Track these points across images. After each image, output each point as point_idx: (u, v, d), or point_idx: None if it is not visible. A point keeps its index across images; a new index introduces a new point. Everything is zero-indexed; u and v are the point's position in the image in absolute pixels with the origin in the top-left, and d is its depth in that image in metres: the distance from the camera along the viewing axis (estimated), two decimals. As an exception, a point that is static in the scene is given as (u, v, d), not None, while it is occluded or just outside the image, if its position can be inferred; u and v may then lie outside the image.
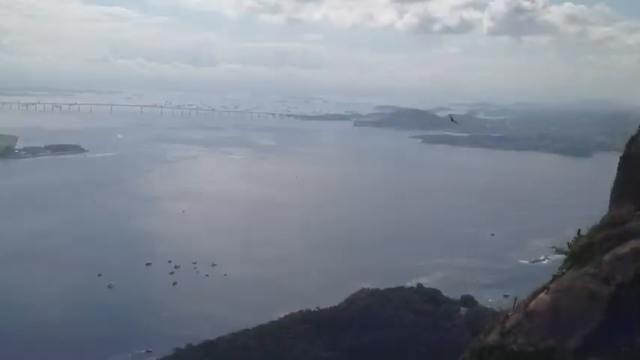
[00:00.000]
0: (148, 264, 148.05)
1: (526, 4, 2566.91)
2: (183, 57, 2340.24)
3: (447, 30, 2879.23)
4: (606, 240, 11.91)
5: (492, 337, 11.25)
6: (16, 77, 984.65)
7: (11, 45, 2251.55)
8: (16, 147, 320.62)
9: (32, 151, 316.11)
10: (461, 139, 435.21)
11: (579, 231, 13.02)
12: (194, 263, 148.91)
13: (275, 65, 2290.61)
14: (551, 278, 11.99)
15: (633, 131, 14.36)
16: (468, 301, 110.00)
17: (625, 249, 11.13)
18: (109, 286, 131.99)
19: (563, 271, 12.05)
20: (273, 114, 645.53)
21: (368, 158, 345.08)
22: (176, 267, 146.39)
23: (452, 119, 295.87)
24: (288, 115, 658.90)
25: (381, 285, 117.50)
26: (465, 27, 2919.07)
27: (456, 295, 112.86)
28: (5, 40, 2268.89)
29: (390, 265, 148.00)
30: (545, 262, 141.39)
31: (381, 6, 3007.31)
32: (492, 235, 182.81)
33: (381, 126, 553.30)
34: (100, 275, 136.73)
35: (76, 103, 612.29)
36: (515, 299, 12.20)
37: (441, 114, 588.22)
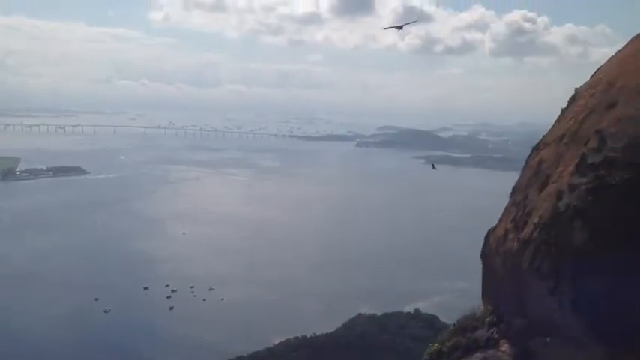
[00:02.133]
0: (145, 288, 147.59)
1: (527, 26, 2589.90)
2: (186, 78, 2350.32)
3: (449, 51, 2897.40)
4: (454, 349, 11.74)
5: None
6: (20, 98, 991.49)
7: (16, 66, 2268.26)
8: (18, 169, 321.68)
9: (34, 173, 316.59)
10: (463, 160, 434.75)
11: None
12: (192, 287, 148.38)
13: (278, 86, 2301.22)
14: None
15: None
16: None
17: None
18: (105, 311, 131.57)
19: None
20: (276, 135, 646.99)
21: (370, 179, 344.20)
22: (173, 291, 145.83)
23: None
24: (291, 136, 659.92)
25: (379, 309, 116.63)
26: (466, 48, 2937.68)
27: (453, 321, 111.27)
28: (10, 61, 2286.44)
29: (390, 287, 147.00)
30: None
31: (382, 27, 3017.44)
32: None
33: (384, 147, 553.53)
34: (97, 299, 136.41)
35: (79, 125, 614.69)
36: None
37: (444, 135, 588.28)
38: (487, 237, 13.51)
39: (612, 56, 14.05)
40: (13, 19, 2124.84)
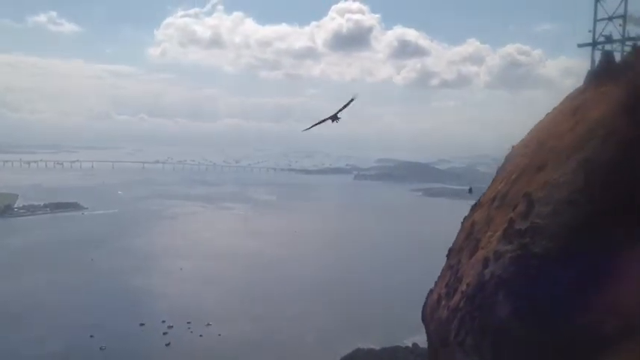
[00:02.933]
0: (141, 324, 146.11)
1: (522, 59, 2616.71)
2: (184, 112, 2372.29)
3: (445, 84, 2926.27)
4: None
5: None
6: (19, 135, 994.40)
7: (16, 103, 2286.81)
8: (16, 205, 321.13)
9: (31, 209, 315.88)
10: (462, 192, 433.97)
11: None
12: (188, 323, 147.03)
13: (276, 120, 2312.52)
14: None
15: None
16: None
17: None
18: (101, 348, 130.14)
19: None
20: (274, 168, 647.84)
21: (367, 212, 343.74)
22: (170, 327, 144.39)
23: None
24: (290, 170, 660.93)
25: (378, 344, 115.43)
26: (462, 81, 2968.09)
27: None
28: (10, 98, 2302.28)
29: (387, 320, 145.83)
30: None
31: (378, 61, 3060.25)
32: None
33: (382, 179, 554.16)
34: (92, 336, 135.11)
35: (77, 160, 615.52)
36: None
37: (442, 167, 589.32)
38: (426, 300, 13.40)
39: (549, 113, 14.27)
40: (13, 56, 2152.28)
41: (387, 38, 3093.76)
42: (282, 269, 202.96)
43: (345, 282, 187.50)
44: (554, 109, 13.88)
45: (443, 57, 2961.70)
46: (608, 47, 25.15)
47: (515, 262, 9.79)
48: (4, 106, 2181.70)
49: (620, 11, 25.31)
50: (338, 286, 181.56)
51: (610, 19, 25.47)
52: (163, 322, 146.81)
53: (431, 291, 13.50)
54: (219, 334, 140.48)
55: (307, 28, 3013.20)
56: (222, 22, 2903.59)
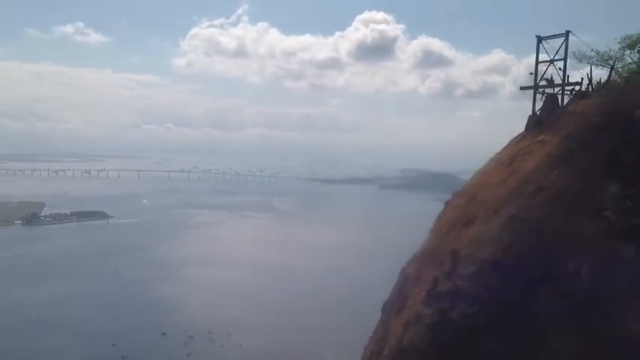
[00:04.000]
0: (163, 333, 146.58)
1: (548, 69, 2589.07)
2: (209, 122, 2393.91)
3: (470, 94, 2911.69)
4: None
5: None
6: (48, 144, 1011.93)
7: (44, 112, 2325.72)
8: (42, 213, 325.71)
9: (58, 218, 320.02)
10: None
11: None
12: (209, 333, 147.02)
13: (301, 129, 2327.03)
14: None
15: None
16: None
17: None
18: (123, 357, 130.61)
19: None
20: (298, 178, 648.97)
21: (390, 223, 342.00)
22: (190, 337, 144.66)
23: None
24: (314, 179, 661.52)
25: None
26: (487, 91, 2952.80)
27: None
28: (39, 108, 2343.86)
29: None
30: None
31: (403, 72, 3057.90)
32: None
33: (405, 189, 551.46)
34: (114, 345, 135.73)
35: (104, 169, 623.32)
36: None
37: (465, 177, 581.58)
38: (363, 353, 12.85)
39: (491, 158, 13.84)
40: (41, 66, 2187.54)
41: (411, 48, 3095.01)
42: (306, 280, 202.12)
43: (369, 294, 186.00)
44: (495, 154, 13.42)
45: (467, 67, 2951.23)
46: (549, 91, 24.60)
47: (432, 329, 9.08)
48: (32, 115, 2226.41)
49: (562, 53, 24.67)
50: (361, 299, 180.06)
51: (552, 61, 24.84)
52: (185, 331, 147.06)
53: (365, 346, 12.94)
54: (240, 345, 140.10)
55: (331, 39, 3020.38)
56: (247, 32, 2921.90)
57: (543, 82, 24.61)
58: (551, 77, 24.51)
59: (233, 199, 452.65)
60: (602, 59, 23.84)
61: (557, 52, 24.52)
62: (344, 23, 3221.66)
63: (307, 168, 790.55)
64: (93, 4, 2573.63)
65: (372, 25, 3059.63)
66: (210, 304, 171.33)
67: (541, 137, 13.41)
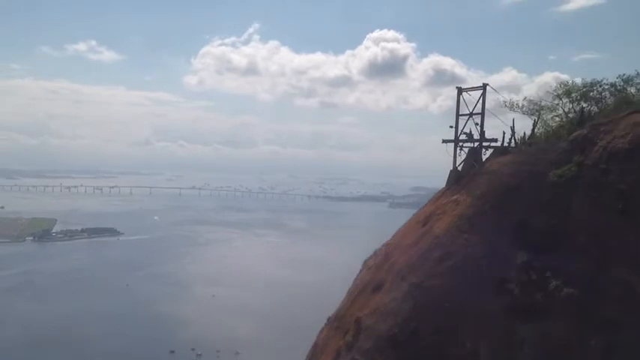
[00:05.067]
0: (172, 351, 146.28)
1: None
2: (222, 139, 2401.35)
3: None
4: None
5: None
6: (61, 161, 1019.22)
7: (58, 129, 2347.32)
8: (54, 230, 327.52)
9: (69, 234, 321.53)
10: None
11: None
12: (218, 351, 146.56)
13: (312, 147, 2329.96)
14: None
15: None
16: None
17: None
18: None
19: None
20: (309, 195, 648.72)
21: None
22: (199, 355, 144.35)
23: None
24: (325, 197, 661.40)
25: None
26: (499, 110, 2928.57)
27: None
28: (53, 125, 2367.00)
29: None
30: None
31: (414, 90, 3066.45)
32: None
33: (417, 207, 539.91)
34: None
35: (116, 186, 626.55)
36: None
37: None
38: None
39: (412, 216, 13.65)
40: (55, 83, 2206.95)
41: (422, 66, 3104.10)
42: (316, 298, 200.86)
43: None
44: (416, 213, 13.28)
45: (478, 84, 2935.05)
46: (469, 145, 24.34)
47: None
48: (46, 132, 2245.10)
49: (479, 108, 24.46)
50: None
51: (471, 115, 24.65)
52: (193, 349, 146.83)
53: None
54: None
55: (342, 57, 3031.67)
56: (258, 50, 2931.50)
57: (463, 136, 24.29)
58: (470, 131, 24.14)
59: (244, 216, 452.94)
60: (534, 109, 23.37)
61: (475, 107, 24.17)
62: (355, 41, 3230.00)
63: (318, 185, 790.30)
64: (104, 23, 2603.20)
65: (382, 44, 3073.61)
66: (218, 321, 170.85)
67: (456, 196, 13.18)
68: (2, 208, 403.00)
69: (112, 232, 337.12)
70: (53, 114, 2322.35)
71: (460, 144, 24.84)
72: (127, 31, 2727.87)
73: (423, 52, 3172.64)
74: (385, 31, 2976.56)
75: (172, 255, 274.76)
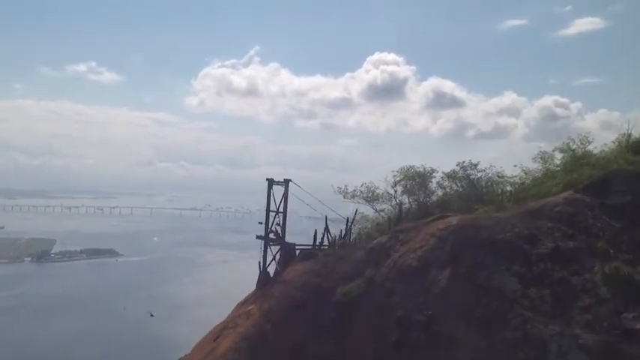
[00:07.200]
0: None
1: (559, 111, 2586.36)
2: (222, 160, 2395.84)
3: (482, 135, 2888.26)
4: None
5: None
6: (63, 181, 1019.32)
7: (60, 149, 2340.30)
8: (53, 250, 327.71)
9: (68, 255, 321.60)
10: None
11: None
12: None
13: (313, 168, 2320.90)
14: None
15: None
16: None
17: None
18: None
19: None
20: (308, 217, 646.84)
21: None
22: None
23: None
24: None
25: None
26: (499, 133, 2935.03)
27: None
28: (55, 145, 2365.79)
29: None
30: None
31: (414, 112, 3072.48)
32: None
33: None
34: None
35: (117, 206, 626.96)
36: None
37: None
38: None
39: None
40: (57, 103, 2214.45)
41: (422, 89, 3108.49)
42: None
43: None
44: (217, 325, 13.50)
45: (479, 108, 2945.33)
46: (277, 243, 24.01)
47: None
48: (48, 152, 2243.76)
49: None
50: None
51: (277, 212, 24.66)
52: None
53: None
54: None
55: (342, 79, 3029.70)
56: (258, 72, 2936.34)
57: (271, 235, 23.95)
58: (277, 231, 23.63)
59: (243, 237, 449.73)
60: (371, 197, 22.99)
61: (280, 203, 23.83)
62: (354, 64, 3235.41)
63: (319, 206, 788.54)
64: (103, 44, 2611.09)
65: (382, 67, 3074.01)
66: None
67: (251, 307, 13.47)
68: (2, 228, 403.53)
69: (111, 253, 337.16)
70: (56, 134, 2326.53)
71: (270, 243, 24.39)
72: (127, 52, 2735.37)
73: (422, 75, 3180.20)
74: (385, 54, 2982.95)
75: (171, 276, 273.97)
